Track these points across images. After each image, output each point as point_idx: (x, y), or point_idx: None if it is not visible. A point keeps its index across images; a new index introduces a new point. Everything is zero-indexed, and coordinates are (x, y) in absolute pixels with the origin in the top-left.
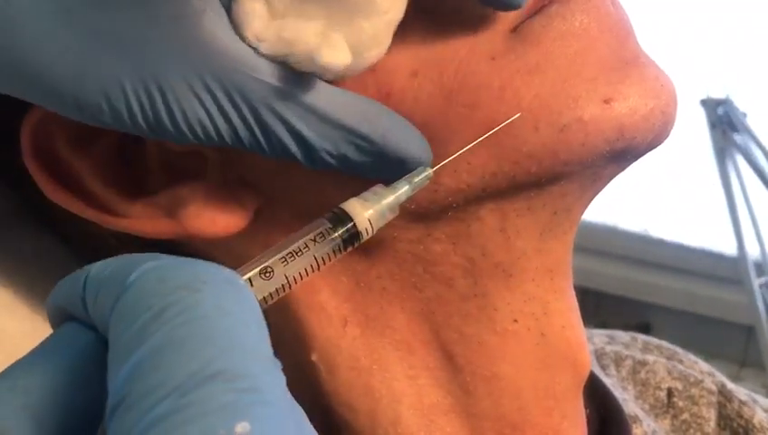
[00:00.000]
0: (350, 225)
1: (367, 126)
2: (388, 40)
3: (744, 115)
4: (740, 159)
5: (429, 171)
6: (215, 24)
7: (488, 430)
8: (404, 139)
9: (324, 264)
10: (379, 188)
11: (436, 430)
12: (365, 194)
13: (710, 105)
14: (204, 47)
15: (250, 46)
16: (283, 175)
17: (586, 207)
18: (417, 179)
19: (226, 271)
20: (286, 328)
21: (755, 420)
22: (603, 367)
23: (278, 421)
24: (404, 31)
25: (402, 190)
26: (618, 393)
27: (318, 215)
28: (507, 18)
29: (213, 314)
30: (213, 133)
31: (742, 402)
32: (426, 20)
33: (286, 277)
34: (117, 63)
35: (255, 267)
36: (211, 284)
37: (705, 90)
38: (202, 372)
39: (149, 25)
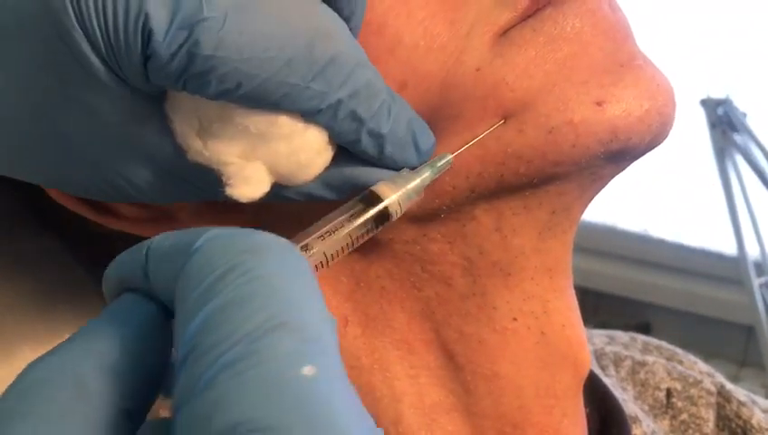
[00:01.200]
0: (380, 206)
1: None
2: (318, 161)
3: (744, 115)
4: (740, 159)
5: (450, 157)
6: (159, 133)
7: (489, 428)
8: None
9: (357, 242)
10: (405, 172)
11: (438, 428)
12: (393, 177)
13: (710, 105)
14: (157, 153)
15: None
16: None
17: (586, 206)
18: (439, 164)
19: (284, 240)
20: None
21: (754, 421)
22: (603, 367)
23: (339, 368)
24: (395, 42)
25: (426, 175)
26: (617, 393)
27: (311, 219)
28: (498, 23)
29: (275, 274)
30: (191, 200)
31: (740, 403)
32: (415, 33)
33: (324, 255)
34: (80, 163)
35: (296, 243)
36: (272, 249)
37: (705, 90)
38: (268, 322)
39: (103, 129)
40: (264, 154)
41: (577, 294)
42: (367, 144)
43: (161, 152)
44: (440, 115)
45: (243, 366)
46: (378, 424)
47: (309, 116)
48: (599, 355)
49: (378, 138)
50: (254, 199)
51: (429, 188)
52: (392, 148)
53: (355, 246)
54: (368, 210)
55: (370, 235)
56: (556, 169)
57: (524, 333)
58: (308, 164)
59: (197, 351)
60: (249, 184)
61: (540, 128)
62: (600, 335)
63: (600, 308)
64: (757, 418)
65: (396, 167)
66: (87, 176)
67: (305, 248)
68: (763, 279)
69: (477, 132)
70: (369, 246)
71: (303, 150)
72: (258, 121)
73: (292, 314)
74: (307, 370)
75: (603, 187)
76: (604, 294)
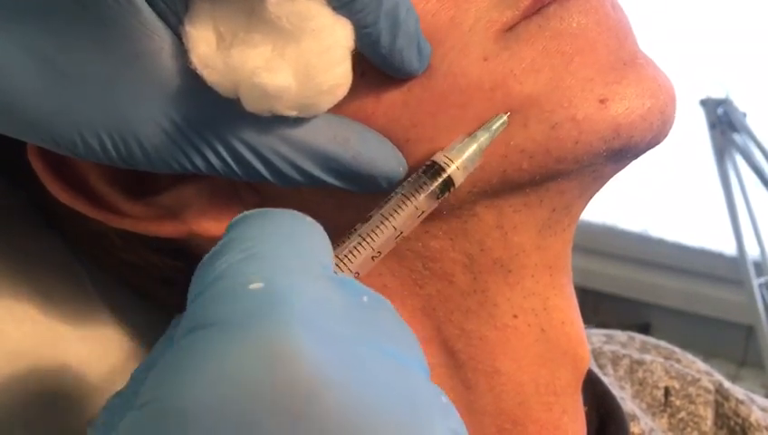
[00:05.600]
0: (445, 176)
1: (337, 148)
2: (343, 63)
3: (744, 115)
4: (739, 159)
5: (504, 117)
6: (174, 61)
7: (489, 425)
8: (376, 157)
9: (424, 212)
10: (461, 139)
11: None
12: (453, 145)
13: (710, 105)
14: (165, 85)
15: (195, 73)
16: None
17: (586, 204)
18: (495, 126)
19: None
20: None
21: (752, 419)
22: (601, 366)
23: (294, 294)
24: None
25: (483, 138)
26: (615, 392)
27: (318, 211)
28: (501, 20)
29: (267, 227)
30: (188, 165)
31: (739, 401)
32: None
33: (394, 228)
34: (87, 105)
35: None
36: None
37: (705, 90)
38: (244, 253)
39: (112, 66)
40: (295, 53)
41: (577, 294)
42: (383, 27)
43: (173, 84)
44: (448, 102)
45: (210, 286)
46: None
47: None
48: (597, 354)
49: (394, 23)
50: (279, 89)
51: None
52: (403, 40)
53: (422, 217)
54: (434, 180)
55: (437, 204)
56: (558, 165)
57: (525, 329)
58: (337, 63)
59: (197, 280)
60: (274, 72)
61: (544, 123)
62: (598, 334)
63: (600, 308)
64: (755, 416)
65: (400, 67)
66: (88, 120)
67: (368, 218)
68: (762, 279)
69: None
70: None
71: (333, 48)
72: (290, 14)
73: (265, 250)
74: (254, 285)
75: (603, 185)
76: (604, 294)
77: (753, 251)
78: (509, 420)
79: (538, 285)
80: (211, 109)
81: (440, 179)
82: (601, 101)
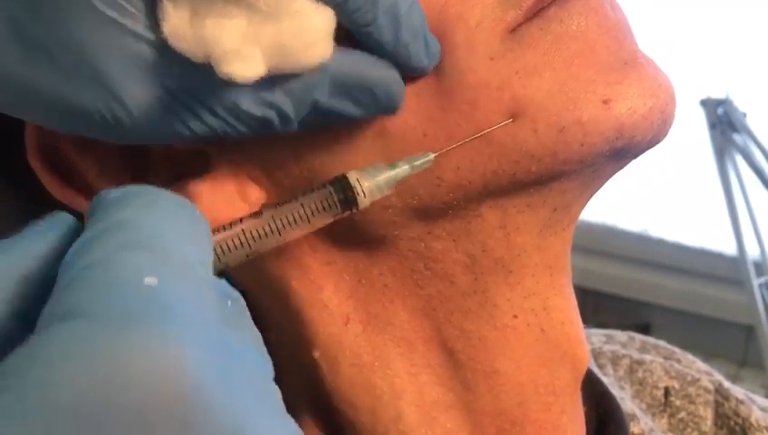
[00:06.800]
0: (348, 192)
1: (334, 64)
2: (323, 42)
3: (744, 115)
4: (739, 160)
5: (431, 156)
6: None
7: (488, 425)
8: (373, 66)
9: (315, 226)
10: (381, 164)
11: (437, 426)
12: (367, 169)
13: (710, 105)
14: (146, 54)
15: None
16: (284, 169)
17: (585, 203)
18: (417, 163)
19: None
20: (289, 327)
21: (752, 419)
22: (600, 366)
23: (189, 295)
24: None
25: (401, 169)
26: (615, 392)
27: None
28: (504, 20)
29: (152, 213)
30: (186, 133)
31: (739, 401)
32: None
33: (279, 233)
34: (70, 76)
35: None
36: (161, 196)
37: (705, 90)
38: (131, 244)
39: (90, 34)
40: (270, 33)
41: (576, 294)
42: (383, 23)
43: (156, 47)
44: (457, 99)
45: (95, 271)
46: (378, 421)
47: None
48: (596, 354)
49: (394, 19)
50: (249, 79)
51: (445, 181)
52: (407, 35)
53: (314, 224)
54: (335, 195)
55: (333, 217)
56: (564, 167)
57: (524, 330)
58: (314, 43)
59: (69, 263)
60: (245, 61)
61: (552, 126)
62: (597, 334)
63: (600, 308)
64: (756, 416)
65: (408, 63)
66: (73, 84)
67: (258, 214)
68: (762, 279)
69: (491, 124)
70: (372, 244)
71: (311, 30)
72: None
73: (155, 243)
74: (149, 280)
75: (603, 185)
76: (604, 294)
77: (753, 251)
78: (508, 421)
79: (538, 286)
80: (190, 73)
81: (342, 195)
82: (605, 102)
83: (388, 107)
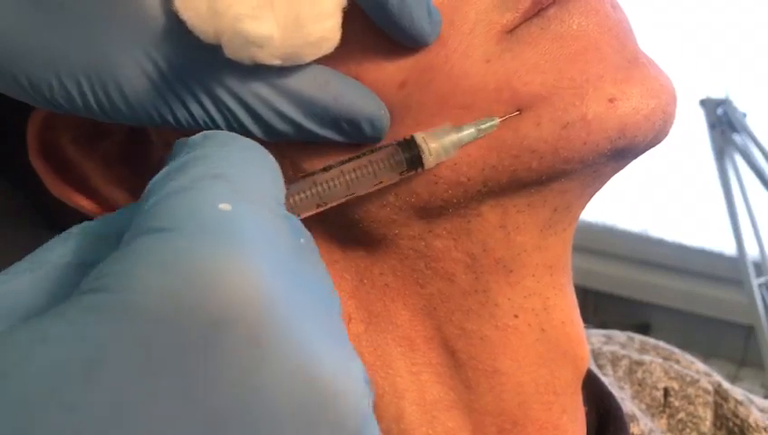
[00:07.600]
0: (414, 152)
1: (317, 91)
2: (333, 17)
3: (744, 115)
4: (739, 160)
5: (497, 120)
6: (159, 2)
7: (489, 425)
8: (356, 99)
9: (383, 183)
10: (447, 126)
11: (438, 425)
12: (435, 130)
13: (709, 105)
14: (148, 26)
15: (175, 17)
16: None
17: (586, 204)
18: (484, 126)
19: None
20: None
21: (751, 420)
22: (600, 367)
23: (260, 221)
24: (389, 44)
25: (467, 132)
26: (615, 392)
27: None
28: (501, 22)
29: (233, 150)
30: (169, 116)
31: (738, 402)
32: None
33: (348, 185)
34: (65, 42)
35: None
36: (238, 139)
37: (705, 90)
38: (210, 172)
39: (93, 2)
40: (286, 1)
41: (577, 294)
42: None
43: (156, 26)
44: (449, 104)
45: (176, 196)
46: (380, 420)
47: None
48: (596, 355)
49: None
50: (263, 37)
51: (443, 178)
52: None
53: (380, 179)
54: (400, 153)
55: (399, 176)
56: (565, 165)
57: (525, 329)
58: (326, 14)
59: (152, 190)
60: (259, 21)
61: (556, 122)
62: (597, 335)
63: (600, 308)
64: (754, 416)
65: (411, 29)
66: (66, 59)
67: (328, 168)
68: (762, 279)
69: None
70: (373, 243)
71: (325, 1)
72: None
73: (233, 174)
74: (223, 206)
75: (603, 185)
76: (604, 294)
77: (752, 251)
78: (509, 420)
79: (539, 285)
80: (194, 54)
81: (408, 155)
82: (610, 101)
83: (372, 139)
